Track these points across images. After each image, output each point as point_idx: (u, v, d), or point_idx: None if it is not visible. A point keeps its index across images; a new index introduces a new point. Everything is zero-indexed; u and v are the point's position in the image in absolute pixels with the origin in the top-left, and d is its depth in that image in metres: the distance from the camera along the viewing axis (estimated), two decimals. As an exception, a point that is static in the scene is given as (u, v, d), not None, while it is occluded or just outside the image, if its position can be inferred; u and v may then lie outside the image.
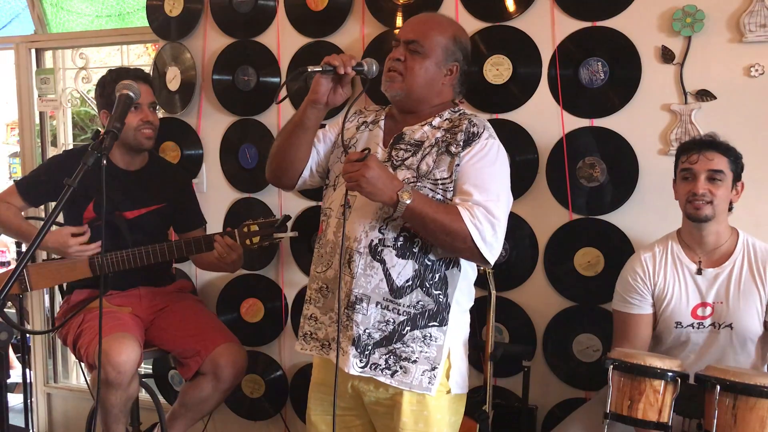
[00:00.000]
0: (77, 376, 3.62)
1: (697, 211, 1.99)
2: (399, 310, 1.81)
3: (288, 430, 2.99)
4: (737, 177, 2.02)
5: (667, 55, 2.33)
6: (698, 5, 2.27)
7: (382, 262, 1.81)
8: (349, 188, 1.76)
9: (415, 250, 1.82)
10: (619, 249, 2.37)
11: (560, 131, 2.47)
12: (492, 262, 1.81)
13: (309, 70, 1.79)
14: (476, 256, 1.79)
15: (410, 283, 1.81)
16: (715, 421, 1.67)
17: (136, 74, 2.59)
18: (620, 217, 2.42)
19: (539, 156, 2.50)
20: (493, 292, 2.11)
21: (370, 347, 1.82)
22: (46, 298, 3.62)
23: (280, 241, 2.58)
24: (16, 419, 3.28)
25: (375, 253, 1.82)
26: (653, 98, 2.36)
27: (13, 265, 5.04)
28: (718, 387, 1.67)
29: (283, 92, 1.84)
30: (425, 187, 1.81)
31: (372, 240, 1.82)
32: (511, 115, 2.52)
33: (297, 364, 2.96)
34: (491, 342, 2.16)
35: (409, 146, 1.88)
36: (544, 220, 2.50)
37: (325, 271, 1.91)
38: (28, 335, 3.39)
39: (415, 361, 1.81)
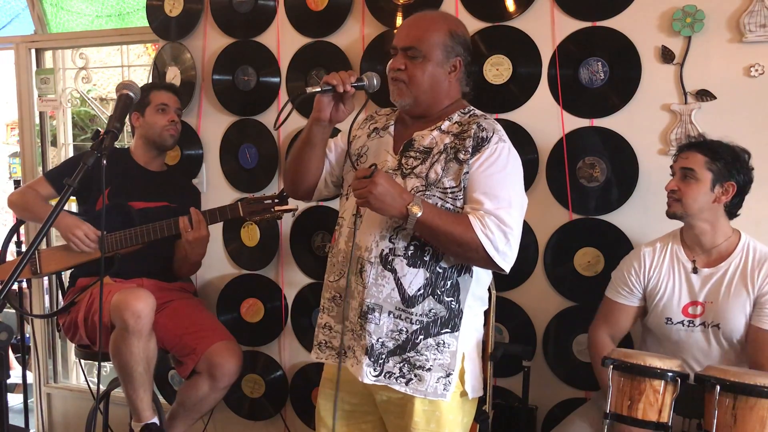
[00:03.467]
0: (77, 376, 3.63)
1: (668, 208, 2.06)
2: (411, 319, 1.81)
3: (288, 430, 2.99)
4: (722, 177, 1.99)
5: (667, 55, 2.33)
6: (698, 5, 2.27)
7: (393, 271, 1.81)
8: (359, 204, 1.77)
9: (426, 258, 1.81)
10: (619, 249, 2.36)
11: (560, 131, 2.47)
12: (507, 270, 1.81)
13: (308, 91, 1.79)
14: (490, 264, 1.79)
15: (422, 291, 1.81)
16: (715, 421, 1.67)
17: (164, 85, 2.81)
18: (620, 217, 2.42)
19: (539, 156, 2.50)
20: (493, 292, 2.10)
21: (384, 356, 1.82)
22: (46, 298, 3.63)
23: (280, 226, 2.58)
24: (16, 419, 3.28)
25: (386, 262, 1.81)
26: (653, 98, 2.36)
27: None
28: (718, 387, 1.67)
29: (286, 112, 1.83)
30: (434, 195, 1.80)
31: (383, 249, 1.81)
32: (511, 115, 2.52)
33: (297, 364, 2.96)
34: (491, 342, 2.16)
35: (418, 153, 1.86)
36: (544, 220, 2.50)
37: (337, 280, 1.90)
38: (27, 335, 3.39)
39: (429, 369, 1.81)
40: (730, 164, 1.99)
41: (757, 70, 2.24)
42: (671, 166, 2.10)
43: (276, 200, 2.48)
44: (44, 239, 2.87)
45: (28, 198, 2.68)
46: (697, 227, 2.04)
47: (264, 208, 2.48)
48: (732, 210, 2.05)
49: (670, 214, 2.06)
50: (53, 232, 3.62)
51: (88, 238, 2.54)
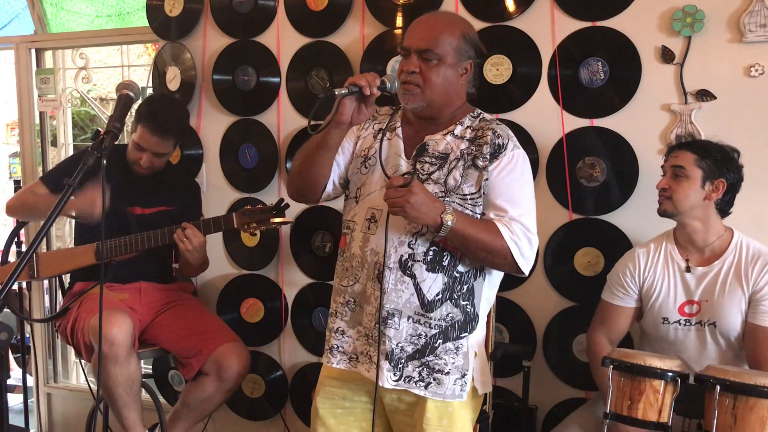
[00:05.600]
0: (77, 376, 3.62)
1: (659, 206, 2.07)
2: (430, 323, 1.82)
3: (288, 430, 2.99)
4: (711, 175, 2.00)
5: (667, 55, 2.33)
6: (698, 5, 2.27)
7: (413, 276, 1.81)
8: (393, 213, 1.75)
9: (445, 263, 1.82)
10: (619, 249, 2.36)
11: (560, 131, 2.47)
12: (527, 273, 1.84)
13: (336, 93, 1.74)
14: (513, 269, 1.82)
15: (440, 296, 1.82)
16: (715, 421, 1.67)
17: (156, 124, 2.54)
18: (620, 217, 2.42)
19: (539, 156, 2.50)
20: (493, 292, 2.12)
21: (403, 360, 1.82)
22: (46, 298, 3.63)
23: (279, 239, 2.58)
24: (16, 419, 3.28)
25: (405, 267, 1.81)
26: (653, 98, 2.36)
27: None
28: (718, 387, 1.67)
29: (325, 119, 1.81)
30: (454, 201, 1.81)
31: (402, 255, 1.81)
32: (511, 115, 2.52)
33: (297, 364, 2.96)
34: (491, 342, 2.17)
35: (434, 159, 1.86)
36: (544, 220, 2.48)
37: (352, 285, 1.89)
38: (27, 335, 3.39)
39: (447, 373, 1.82)
40: (719, 162, 2.01)
41: (757, 70, 2.24)
42: (662, 166, 2.12)
43: (273, 212, 2.43)
44: (43, 240, 2.86)
45: (27, 198, 2.65)
46: (689, 226, 2.05)
47: (260, 220, 2.44)
48: (724, 208, 2.05)
49: (662, 212, 2.07)
50: (53, 233, 3.62)
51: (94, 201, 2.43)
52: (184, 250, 2.48)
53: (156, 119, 2.55)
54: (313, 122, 1.72)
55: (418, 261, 1.81)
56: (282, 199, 2.44)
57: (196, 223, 2.50)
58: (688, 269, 2.06)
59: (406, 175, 1.75)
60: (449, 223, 1.71)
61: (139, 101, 2.58)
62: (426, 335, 1.82)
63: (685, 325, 2.04)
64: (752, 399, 1.65)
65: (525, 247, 1.78)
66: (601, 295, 2.21)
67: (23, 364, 3.23)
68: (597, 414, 2.08)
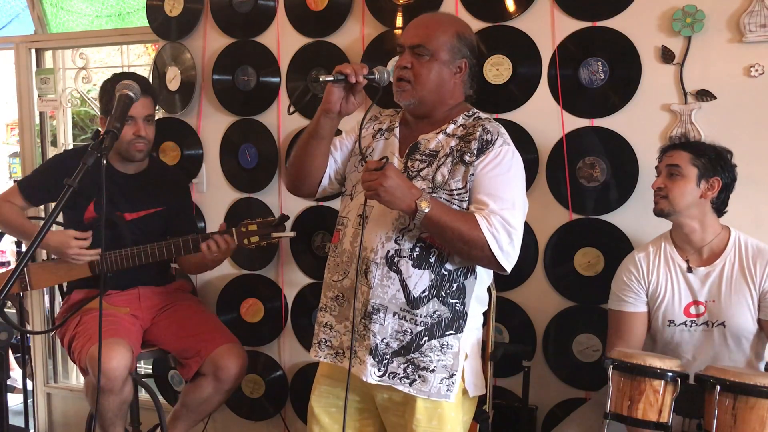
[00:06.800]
0: (77, 376, 3.62)
1: (655, 205, 2.07)
2: (416, 320, 1.82)
3: (288, 430, 2.99)
4: (707, 173, 2.00)
5: (667, 55, 2.33)
6: (698, 5, 2.27)
7: (399, 272, 1.81)
8: (368, 197, 1.76)
9: (432, 260, 1.82)
10: (619, 249, 2.36)
11: (560, 131, 2.47)
12: (509, 270, 1.82)
13: (321, 79, 1.77)
14: (493, 264, 1.80)
15: (426, 293, 1.82)
16: (715, 421, 1.67)
17: (137, 83, 2.55)
18: (620, 217, 2.42)
19: (539, 156, 2.50)
20: (493, 292, 2.11)
21: (388, 356, 1.83)
22: (46, 298, 3.62)
23: (279, 241, 2.57)
24: (16, 420, 3.28)
25: (391, 263, 1.82)
26: (653, 98, 2.36)
27: (12, 265, 5.05)
28: (718, 387, 1.67)
29: (294, 110, 1.84)
30: (441, 198, 1.81)
31: (388, 251, 1.82)
32: (511, 115, 2.52)
33: (297, 364, 2.96)
34: (491, 342, 2.16)
35: (424, 156, 1.87)
36: (544, 220, 2.50)
37: (341, 280, 1.91)
38: (28, 336, 3.39)
39: (433, 371, 1.82)
40: (714, 160, 2.01)
41: (757, 70, 2.24)
42: (656, 167, 2.11)
43: (273, 225, 2.41)
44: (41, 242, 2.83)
45: (5, 211, 2.56)
46: (686, 226, 2.04)
47: (261, 234, 2.41)
48: (719, 207, 2.05)
49: (657, 212, 2.06)
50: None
51: (85, 249, 2.43)
52: (210, 260, 2.43)
53: (135, 78, 2.50)
54: (292, 108, 1.79)
55: (405, 257, 1.81)
56: (283, 214, 2.44)
57: (196, 237, 2.45)
58: (689, 270, 2.05)
59: (381, 160, 1.75)
60: (425, 209, 1.71)
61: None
62: (411, 332, 1.82)
63: (691, 326, 2.04)
64: (752, 399, 1.65)
65: (504, 240, 1.75)
66: (609, 306, 2.17)
67: (23, 365, 3.23)
68: (597, 414, 2.08)
